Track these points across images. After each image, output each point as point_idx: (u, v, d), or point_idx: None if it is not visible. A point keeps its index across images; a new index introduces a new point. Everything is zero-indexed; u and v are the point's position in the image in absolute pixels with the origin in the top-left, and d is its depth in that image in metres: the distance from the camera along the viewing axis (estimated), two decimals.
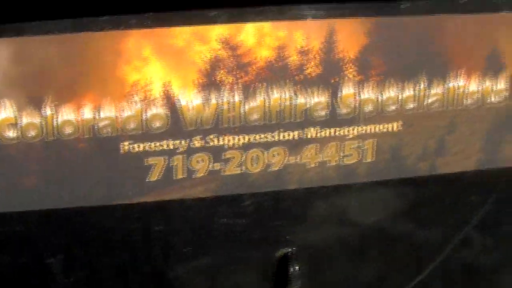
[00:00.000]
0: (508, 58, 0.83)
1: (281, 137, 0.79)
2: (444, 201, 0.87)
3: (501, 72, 0.83)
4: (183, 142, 0.77)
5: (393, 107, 0.81)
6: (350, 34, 0.78)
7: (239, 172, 0.79)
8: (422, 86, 0.81)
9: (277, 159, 0.80)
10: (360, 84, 0.79)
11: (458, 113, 0.83)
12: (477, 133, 0.85)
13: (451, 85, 0.82)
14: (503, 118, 0.85)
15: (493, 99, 0.83)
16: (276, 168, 0.80)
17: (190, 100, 0.76)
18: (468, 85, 0.82)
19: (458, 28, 0.80)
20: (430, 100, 0.81)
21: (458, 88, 0.82)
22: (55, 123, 0.73)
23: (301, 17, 0.76)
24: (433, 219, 0.88)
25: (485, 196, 0.89)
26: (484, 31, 0.82)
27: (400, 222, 0.87)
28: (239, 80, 0.76)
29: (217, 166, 0.79)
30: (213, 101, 0.76)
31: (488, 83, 0.83)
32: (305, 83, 0.78)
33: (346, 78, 0.78)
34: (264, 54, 0.76)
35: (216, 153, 0.78)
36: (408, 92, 0.81)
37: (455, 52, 0.81)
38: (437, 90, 0.81)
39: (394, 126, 0.82)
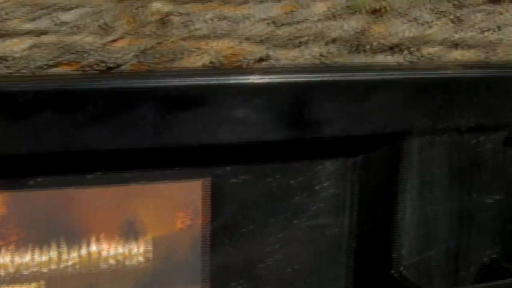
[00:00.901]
0: (145, 224, 0.92)
1: None
2: None
3: (139, 237, 0.92)
4: None
5: (31, 270, 0.90)
6: None
7: None
8: (58, 250, 0.90)
9: None
10: None
11: (99, 275, 0.92)
12: None
13: (87, 250, 0.91)
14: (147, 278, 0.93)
15: (134, 261, 0.92)
16: None
17: None
18: (106, 250, 0.91)
19: (90, 199, 0.90)
20: (68, 263, 0.90)
21: (96, 253, 0.91)
22: None
23: None
24: None
25: None
26: (117, 201, 0.91)
27: None
28: None
29: None
30: None
31: (126, 248, 0.91)
32: None
33: None
34: None
35: None
36: (45, 256, 0.90)
37: (90, 221, 0.91)
38: (74, 255, 0.90)
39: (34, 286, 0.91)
